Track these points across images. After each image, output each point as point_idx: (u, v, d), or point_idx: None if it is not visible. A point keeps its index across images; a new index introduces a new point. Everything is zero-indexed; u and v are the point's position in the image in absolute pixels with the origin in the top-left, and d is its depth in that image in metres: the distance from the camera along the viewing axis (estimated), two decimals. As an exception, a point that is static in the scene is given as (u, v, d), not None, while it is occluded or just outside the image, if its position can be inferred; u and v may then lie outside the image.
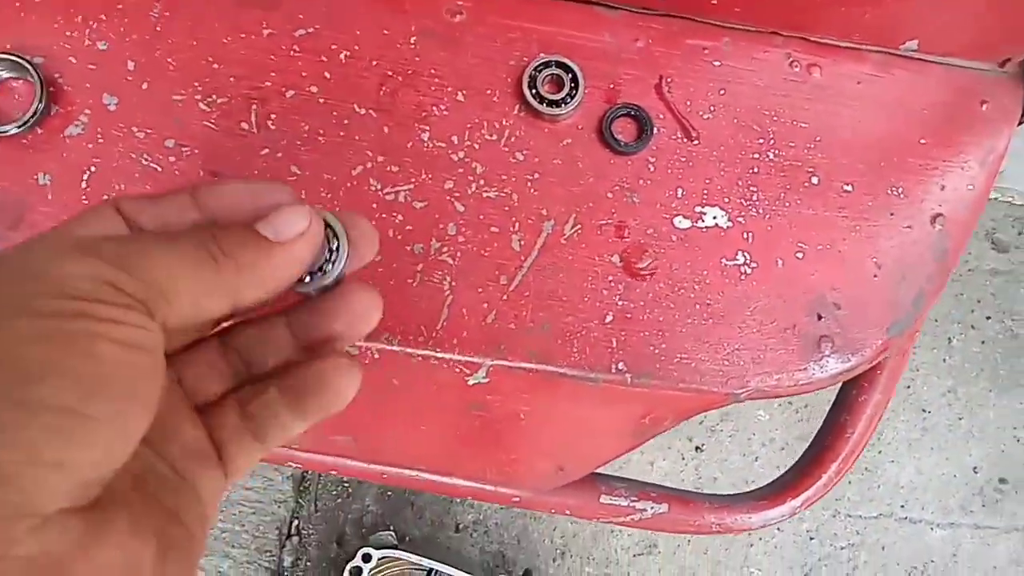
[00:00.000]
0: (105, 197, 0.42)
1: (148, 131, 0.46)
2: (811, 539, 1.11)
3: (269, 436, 0.31)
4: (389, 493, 1.07)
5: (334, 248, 0.31)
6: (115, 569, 0.23)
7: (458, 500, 1.06)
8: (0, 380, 0.21)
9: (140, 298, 0.25)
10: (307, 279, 0.31)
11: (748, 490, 0.58)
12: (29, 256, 0.25)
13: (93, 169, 0.46)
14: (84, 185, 0.46)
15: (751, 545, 1.10)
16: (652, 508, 0.56)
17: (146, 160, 0.46)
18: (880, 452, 1.13)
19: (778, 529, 1.10)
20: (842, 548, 1.10)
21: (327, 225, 0.31)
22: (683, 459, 1.12)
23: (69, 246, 0.25)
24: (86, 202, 0.46)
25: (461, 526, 1.06)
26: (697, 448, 1.12)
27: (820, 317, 0.46)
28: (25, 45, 0.47)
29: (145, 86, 0.47)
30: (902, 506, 1.13)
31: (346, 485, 1.08)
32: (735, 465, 1.12)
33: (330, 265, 0.31)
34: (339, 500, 1.08)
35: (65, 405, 0.22)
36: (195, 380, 0.31)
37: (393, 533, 0.90)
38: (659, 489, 0.56)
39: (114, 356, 0.23)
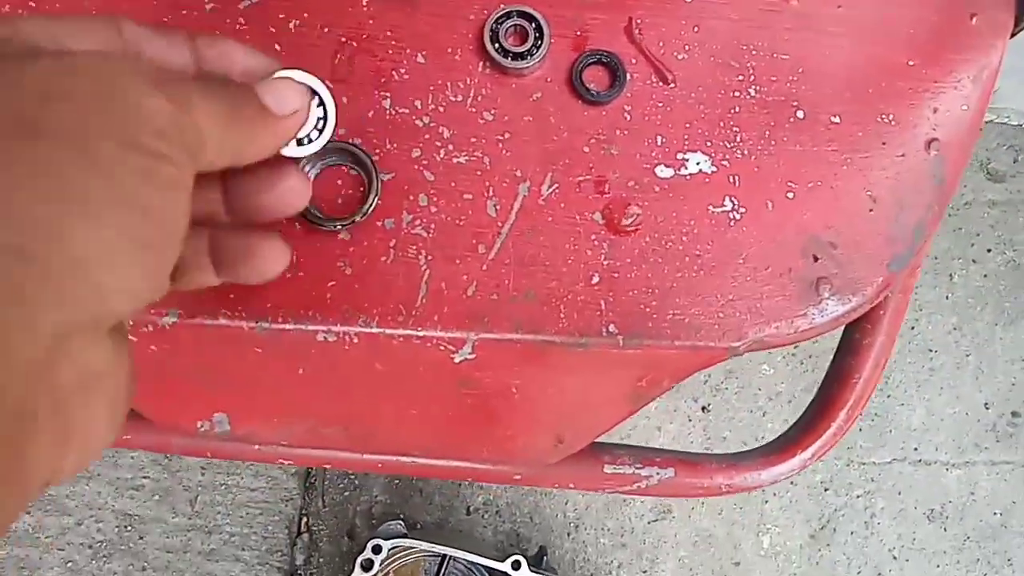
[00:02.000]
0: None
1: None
2: (825, 490, 1.10)
3: (186, 278, 0.33)
4: (396, 481, 1.06)
5: (320, 117, 0.33)
6: (124, 388, 0.26)
7: (467, 483, 1.05)
8: (105, 208, 0.23)
9: (194, 148, 0.27)
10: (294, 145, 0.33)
11: (753, 448, 0.56)
12: (117, 77, 0.25)
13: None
14: None
15: (766, 502, 1.08)
16: (658, 474, 0.54)
17: None
18: (889, 396, 1.12)
19: (791, 483, 1.08)
20: (858, 496, 1.09)
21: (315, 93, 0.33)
22: (690, 421, 1.10)
23: (149, 78, 0.26)
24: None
25: (472, 508, 1.05)
26: (703, 408, 1.10)
27: (816, 258, 0.44)
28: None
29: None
30: (915, 449, 1.11)
31: (352, 478, 1.07)
32: (743, 422, 1.10)
33: (317, 133, 0.34)
34: (346, 493, 1.06)
35: (149, 242, 0.24)
36: None
37: (402, 522, 0.88)
38: (664, 453, 0.54)
39: (183, 203, 0.26)
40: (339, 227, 0.43)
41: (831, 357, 0.55)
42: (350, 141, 0.43)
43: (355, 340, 0.46)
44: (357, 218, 0.43)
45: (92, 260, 0.22)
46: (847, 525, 1.09)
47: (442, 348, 0.46)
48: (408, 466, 0.53)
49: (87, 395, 0.23)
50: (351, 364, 0.46)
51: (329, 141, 0.34)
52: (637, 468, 0.53)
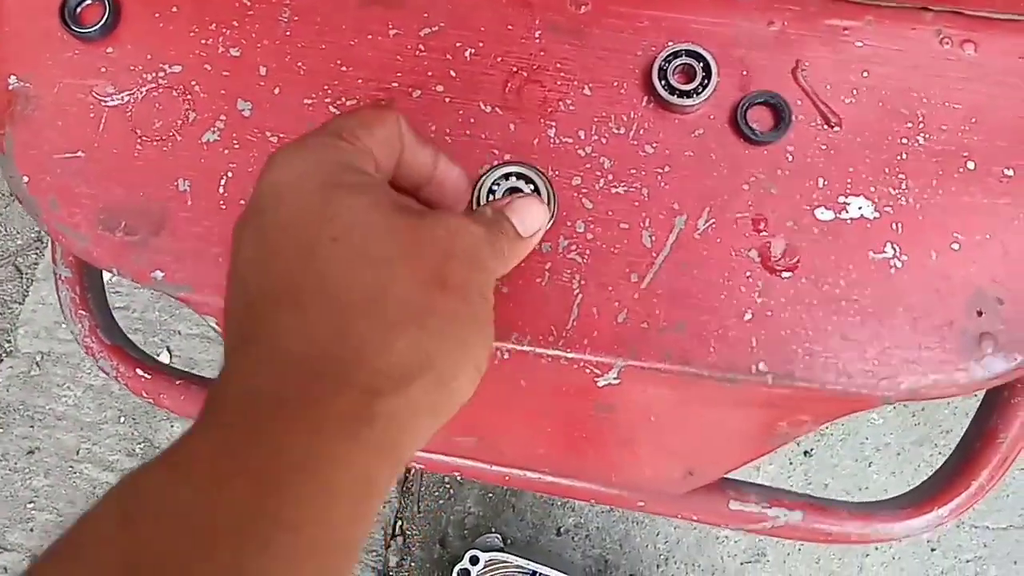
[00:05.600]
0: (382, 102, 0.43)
1: (281, 135, 0.47)
2: (932, 551, 1.05)
3: None
4: (490, 495, 1.07)
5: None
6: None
7: (559, 503, 1.05)
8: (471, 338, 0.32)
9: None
10: None
11: (887, 498, 0.55)
12: (473, 241, 0.33)
13: (230, 175, 0.47)
14: (222, 190, 0.47)
15: (867, 555, 1.04)
16: (785, 515, 0.53)
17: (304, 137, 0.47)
18: (1007, 459, 1.06)
19: (896, 539, 1.04)
20: (968, 561, 1.04)
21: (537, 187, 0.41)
22: (790, 464, 1.07)
23: (483, 244, 0.34)
24: (223, 208, 0.47)
25: (563, 529, 1.05)
26: (806, 452, 1.07)
27: (980, 313, 0.43)
28: (165, 56, 0.48)
29: (277, 91, 0.48)
30: (1032, 517, 1.05)
31: (448, 486, 1.09)
32: (847, 471, 1.07)
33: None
34: (441, 501, 1.08)
35: (484, 366, 0.33)
36: None
37: (499, 536, 0.89)
38: (792, 495, 0.53)
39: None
40: None
41: (943, 412, 0.54)
42: (531, 166, 0.44)
43: (505, 356, 0.47)
44: None
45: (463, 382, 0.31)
46: (954, 589, 1.04)
47: (587, 371, 0.47)
48: (535, 482, 0.54)
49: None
50: (497, 378, 0.48)
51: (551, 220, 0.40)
52: (764, 507, 0.53)
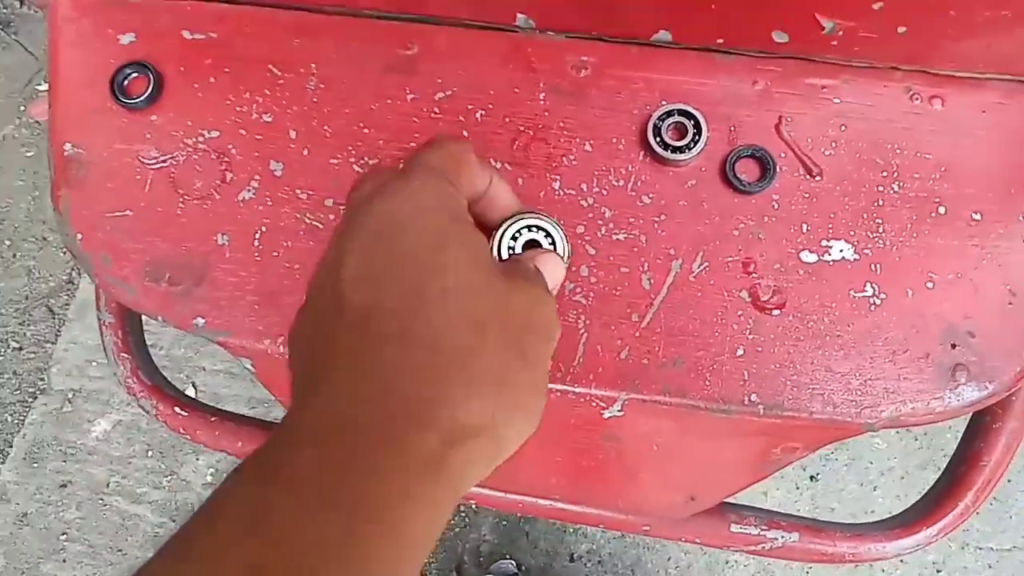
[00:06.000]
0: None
1: (310, 192, 0.52)
2: (938, 571, 1.07)
3: None
4: (504, 523, 1.10)
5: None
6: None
7: (571, 530, 1.08)
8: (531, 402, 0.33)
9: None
10: None
11: (879, 519, 0.58)
12: (543, 312, 0.35)
13: (264, 228, 0.52)
14: (256, 243, 0.52)
15: (874, 578, 1.07)
16: (783, 537, 0.56)
17: (309, 219, 0.52)
18: (1010, 481, 1.08)
19: (902, 561, 1.06)
20: (974, 582, 1.06)
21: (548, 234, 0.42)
22: (797, 488, 1.10)
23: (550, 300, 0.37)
24: (258, 259, 0.51)
25: (575, 556, 1.08)
26: (812, 477, 1.10)
27: (954, 346, 0.47)
28: (204, 122, 0.53)
29: (306, 152, 0.52)
30: (1037, 538, 1.07)
31: (463, 515, 1.12)
32: (853, 495, 1.09)
33: None
34: (457, 530, 1.11)
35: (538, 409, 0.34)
36: None
37: (513, 562, 0.92)
38: (789, 518, 0.57)
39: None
40: None
41: (945, 436, 0.57)
42: (549, 217, 0.44)
43: (517, 391, 0.51)
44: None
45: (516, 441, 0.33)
46: (961, 610, 1.06)
47: (594, 404, 0.51)
48: (547, 509, 0.58)
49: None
50: (510, 412, 0.52)
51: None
52: (763, 530, 0.56)
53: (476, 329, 0.31)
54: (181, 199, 0.53)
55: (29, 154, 1.46)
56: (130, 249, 0.53)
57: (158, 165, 0.53)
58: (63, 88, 0.55)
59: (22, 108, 1.51)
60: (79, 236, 0.53)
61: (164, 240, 0.52)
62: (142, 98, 0.53)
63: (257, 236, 0.52)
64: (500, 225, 0.41)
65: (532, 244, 0.41)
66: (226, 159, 0.53)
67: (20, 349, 1.31)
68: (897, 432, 1.10)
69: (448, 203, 0.34)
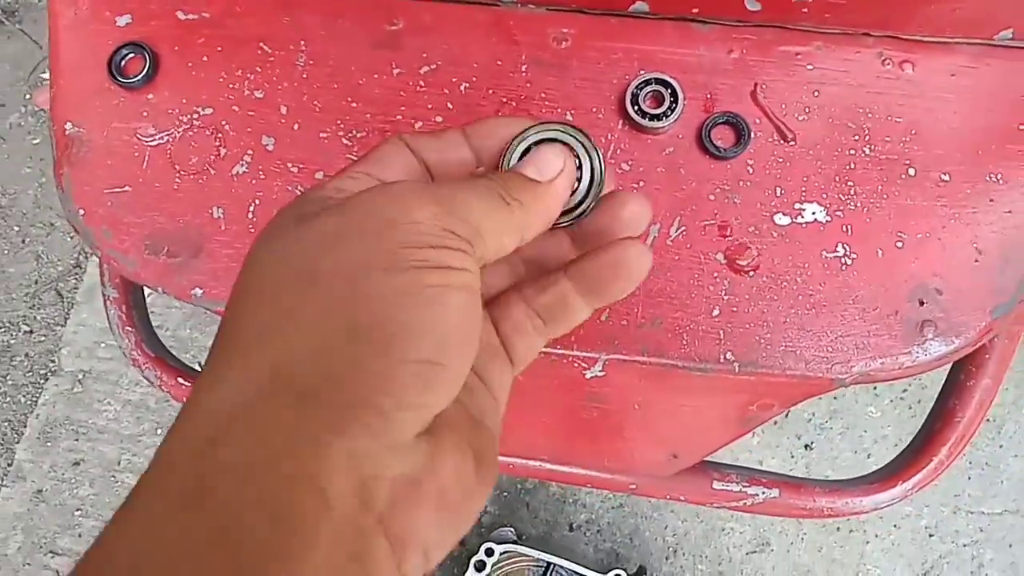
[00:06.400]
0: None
1: (301, 166, 0.54)
2: (930, 536, 1.09)
3: (558, 323, 0.34)
4: (505, 494, 1.13)
5: (581, 178, 0.34)
6: (451, 484, 0.26)
7: (571, 500, 1.11)
8: (375, 337, 0.25)
9: (469, 240, 0.28)
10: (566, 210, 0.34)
11: (857, 476, 0.60)
12: (378, 204, 0.27)
13: (257, 202, 0.54)
14: (251, 216, 0.54)
15: (867, 543, 1.09)
16: (763, 493, 0.58)
17: (300, 191, 0.53)
18: (1001, 446, 1.10)
19: (895, 526, 1.08)
20: (965, 545, 1.07)
21: (576, 155, 0.34)
22: (792, 457, 1.12)
23: (410, 193, 0.28)
24: (252, 231, 0.53)
25: (575, 525, 1.11)
26: (806, 446, 1.12)
27: (922, 303, 0.48)
28: (198, 100, 0.55)
29: (296, 127, 0.54)
30: (1030, 503, 1.09)
31: (464, 485, 1.14)
32: (847, 463, 1.11)
33: (582, 195, 0.34)
34: (458, 500, 1.14)
35: (425, 358, 0.25)
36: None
37: (512, 530, 0.95)
38: (769, 475, 0.59)
39: (459, 304, 0.26)
40: (566, 224, 0.35)
41: None
42: (567, 126, 0.35)
43: (503, 354, 0.53)
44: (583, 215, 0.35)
45: (379, 394, 0.24)
46: (952, 573, 1.07)
47: (576, 365, 0.53)
48: (535, 469, 0.60)
49: (407, 505, 0.24)
50: (497, 375, 0.54)
51: (594, 201, 0.34)
52: (744, 486, 0.58)
53: None
54: (177, 174, 0.55)
55: (35, 141, 1.48)
56: (130, 223, 0.55)
57: (155, 142, 0.55)
58: (63, 70, 0.57)
59: (27, 96, 1.53)
60: (81, 212, 0.55)
61: (162, 214, 0.55)
62: (139, 78, 0.55)
63: (251, 209, 0.54)
64: (506, 148, 0.34)
65: None
66: (220, 135, 0.55)
67: (31, 332, 1.34)
68: (890, 400, 1.11)
69: None
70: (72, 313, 1.32)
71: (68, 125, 0.56)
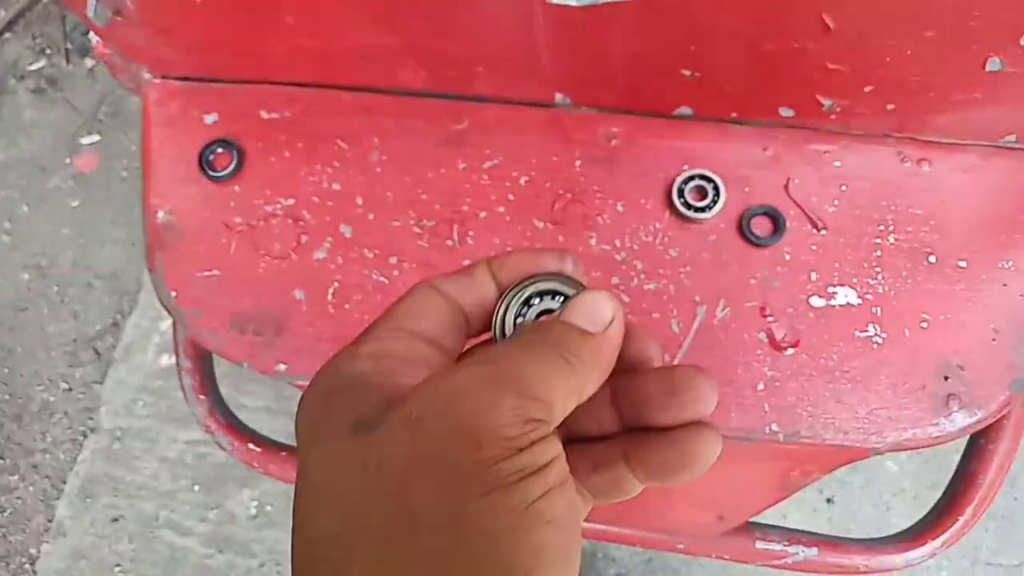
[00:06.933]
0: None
1: (376, 252, 0.59)
2: (951, 588, 1.12)
3: (608, 498, 0.32)
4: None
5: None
6: None
7: (601, 556, 1.13)
8: (493, 570, 0.23)
9: (546, 420, 0.26)
10: None
11: (889, 534, 0.64)
12: (452, 411, 0.25)
13: (336, 284, 0.59)
14: (330, 297, 0.59)
15: (890, 595, 1.12)
16: (803, 551, 0.62)
17: (376, 275, 0.59)
18: (1016, 499, 1.14)
19: (899, 568, 1.11)
20: (985, 597, 1.11)
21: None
22: (815, 511, 1.15)
23: (484, 389, 0.25)
24: (332, 312, 0.58)
25: (604, 579, 1.13)
26: (828, 500, 1.15)
27: (947, 378, 0.53)
28: (281, 191, 0.60)
29: (371, 216, 0.60)
30: (1046, 555, 1.12)
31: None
32: (867, 516, 1.14)
33: None
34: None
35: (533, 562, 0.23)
36: None
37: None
38: (809, 535, 0.63)
39: (564, 502, 0.25)
40: None
41: (953, 457, 0.63)
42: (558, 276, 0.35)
43: (563, 424, 0.58)
44: None
45: None
46: (973, 625, 1.10)
47: (631, 434, 0.57)
48: (588, 530, 0.64)
49: None
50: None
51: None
52: (785, 545, 0.62)
53: None
54: (262, 259, 0.60)
55: (75, 204, 1.54)
56: (218, 304, 0.60)
57: (241, 229, 0.61)
58: (155, 163, 0.62)
59: (67, 161, 1.60)
60: (173, 294, 0.60)
61: (248, 296, 0.60)
62: (227, 171, 0.60)
63: (331, 291, 0.59)
64: (504, 294, 0.33)
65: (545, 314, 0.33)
66: (301, 223, 0.60)
67: (70, 390, 1.38)
68: (908, 455, 1.15)
69: None
70: (110, 371, 1.36)
71: (160, 214, 0.61)
